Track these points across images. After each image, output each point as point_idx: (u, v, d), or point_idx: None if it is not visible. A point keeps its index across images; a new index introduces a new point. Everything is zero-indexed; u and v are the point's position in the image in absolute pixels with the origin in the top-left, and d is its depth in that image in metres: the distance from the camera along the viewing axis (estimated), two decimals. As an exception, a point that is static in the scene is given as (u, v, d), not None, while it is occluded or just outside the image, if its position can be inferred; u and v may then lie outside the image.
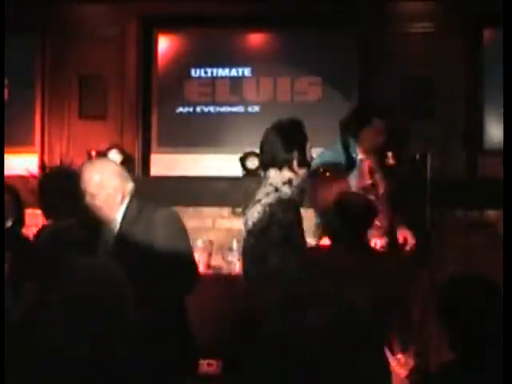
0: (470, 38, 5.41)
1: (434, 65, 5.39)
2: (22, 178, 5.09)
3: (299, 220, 3.37)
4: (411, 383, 3.58)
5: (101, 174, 3.12)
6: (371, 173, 4.11)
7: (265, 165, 3.44)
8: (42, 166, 5.54)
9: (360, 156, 4.24)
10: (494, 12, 4.66)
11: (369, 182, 4.11)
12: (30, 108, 5.78)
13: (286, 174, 3.35)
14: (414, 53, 5.42)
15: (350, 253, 3.17)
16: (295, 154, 3.36)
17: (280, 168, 3.36)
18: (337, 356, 1.61)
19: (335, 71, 5.64)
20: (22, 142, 5.70)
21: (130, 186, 3.19)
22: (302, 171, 3.39)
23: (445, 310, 2.32)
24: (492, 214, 5.06)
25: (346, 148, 4.24)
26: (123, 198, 3.14)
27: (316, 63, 5.66)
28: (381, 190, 4.22)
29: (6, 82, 5.71)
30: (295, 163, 3.36)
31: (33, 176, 5.23)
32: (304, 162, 3.38)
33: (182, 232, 3.20)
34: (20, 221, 3.96)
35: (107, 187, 3.10)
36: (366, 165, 4.12)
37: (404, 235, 4.28)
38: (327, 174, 4.04)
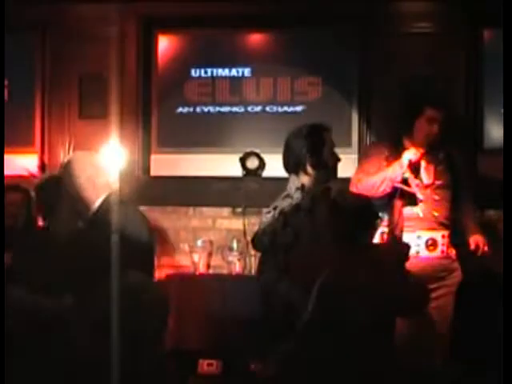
0: (470, 38, 5.40)
1: (434, 65, 5.39)
2: (21, 177, 5.09)
3: (306, 225, 3.42)
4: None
5: (77, 162, 3.23)
6: (411, 166, 3.97)
7: (286, 170, 3.58)
8: (42, 166, 5.54)
9: (410, 150, 4.04)
10: (494, 12, 4.66)
11: (406, 176, 3.96)
12: (30, 108, 5.78)
13: (301, 178, 3.48)
14: (414, 53, 5.42)
15: (346, 253, 3.15)
16: (307, 156, 3.46)
17: (297, 173, 3.49)
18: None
19: (335, 71, 5.64)
20: (22, 142, 5.70)
21: (104, 180, 3.25)
22: (317, 173, 3.48)
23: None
24: (492, 214, 5.06)
25: (395, 142, 4.09)
26: (97, 190, 3.20)
27: (316, 63, 5.66)
28: (428, 181, 4.06)
29: (5, 82, 5.73)
30: (308, 166, 3.47)
31: (33, 176, 5.24)
32: (317, 164, 3.48)
33: (141, 222, 3.27)
34: (31, 219, 4.01)
35: (80, 176, 3.19)
36: (408, 158, 3.96)
37: (476, 241, 4.13)
38: None
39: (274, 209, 3.48)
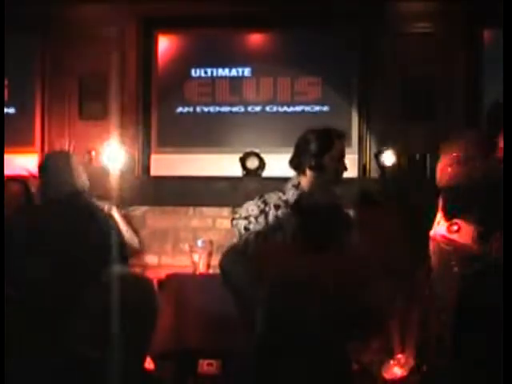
0: (470, 38, 5.41)
1: (434, 65, 5.39)
2: (22, 178, 5.09)
3: (286, 221, 3.41)
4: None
5: (47, 161, 3.38)
6: None
7: (290, 166, 3.59)
8: (42, 166, 5.54)
9: None
10: (494, 12, 4.66)
11: None
12: (29, 108, 5.78)
13: (300, 177, 3.49)
14: (414, 53, 5.42)
15: (310, 257, 3.07)
16: (308, 157, 3.46)
17: (297, 171, 3.50)
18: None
19: (335, 71, 5.64)
20: (22, 142, 5.70)
21: (65, 178, 3.38)
22: (314, 175, 3.48)
23: (458, 311, 2.28)
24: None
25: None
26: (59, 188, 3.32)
27: (316, 63, 5.66)
28: None
29: (5, 82, 5.73)
30: (307, 167, 3.47)
31: (33, 176, 5.23)
32: (316, 166, 3.47)
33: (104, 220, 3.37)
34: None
35: (49, 175, 3.36)
36: None
37: None
38: None
39: (260, 197, 3.49)
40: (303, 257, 3.03)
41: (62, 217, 3.25)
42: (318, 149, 3.51)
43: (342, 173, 3.57)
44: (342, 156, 3.55)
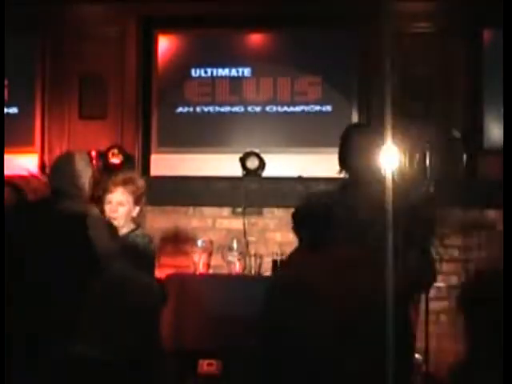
0: (470, 38, 5.41)
1: (434, 65, 5.39)
2: (22, 178, 5.09)
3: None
4: None
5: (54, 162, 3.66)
6: None
7: None
8: (42, 166, 5.54)
9: None
10: (494, 12, 4.66)
11: None
12: (30, 108, 5.78)
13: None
14: (414, 53, 5.42)
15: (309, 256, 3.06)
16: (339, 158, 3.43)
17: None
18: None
19: (335, 71, 5.64)
20: (22, 142, 5.70)
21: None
22: (345, 176, 3.40)
23: (465, 310, 2.28)
24: (492, 213, 5.06)
25: None
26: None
27: (316, 63, 5.66)
28: None
29: (5, 82, 5.73)
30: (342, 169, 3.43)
31: (33, 176, 5.23)
32: (341, 167, 3.41)
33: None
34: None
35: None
36: None
37: None
38: None
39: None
40: (309, 257, 3.03)
41: (42, 219, 3.27)
42: (339, 148, 3.45)
43: (364, 170, 3.36)
44: (362, 151, 3.35)
